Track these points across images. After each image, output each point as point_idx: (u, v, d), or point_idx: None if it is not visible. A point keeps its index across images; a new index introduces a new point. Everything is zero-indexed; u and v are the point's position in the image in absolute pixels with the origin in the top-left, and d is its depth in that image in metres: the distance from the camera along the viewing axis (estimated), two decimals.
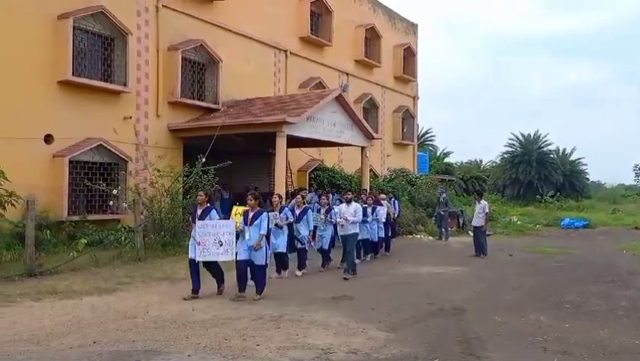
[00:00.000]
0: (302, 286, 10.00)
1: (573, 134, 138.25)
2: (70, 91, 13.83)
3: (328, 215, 11.75)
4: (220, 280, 8.86)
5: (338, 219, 11.19)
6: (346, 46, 24.26)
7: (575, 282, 10.79)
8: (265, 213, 8.71)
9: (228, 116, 16.54)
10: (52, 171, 13.37)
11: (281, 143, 15.21)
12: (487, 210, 14.95)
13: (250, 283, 8.64)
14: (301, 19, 21.57)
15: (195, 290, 8.58)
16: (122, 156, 14.65)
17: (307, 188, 19.54)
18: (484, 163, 57.93)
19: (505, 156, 51.71)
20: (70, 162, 13.57)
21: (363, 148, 18.96)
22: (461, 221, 22.11)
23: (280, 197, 11.15)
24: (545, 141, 50.56)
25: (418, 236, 19.66)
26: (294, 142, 16.86)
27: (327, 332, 6.61)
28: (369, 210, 12.89)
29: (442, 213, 19.21)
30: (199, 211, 8.73)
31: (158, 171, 13.67)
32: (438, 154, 49.46)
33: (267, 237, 8.98)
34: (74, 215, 13.51)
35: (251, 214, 8.58)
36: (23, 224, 10.76)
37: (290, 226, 10.73)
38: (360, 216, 11.35)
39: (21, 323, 6.85)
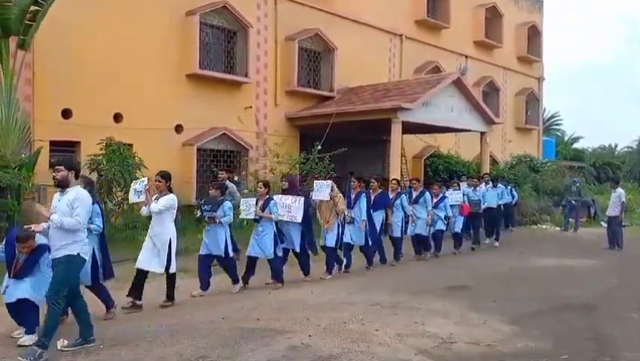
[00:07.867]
0: (418, 275, 9.89)
1: None
2: (197, 83, 14.70)
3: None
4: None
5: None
6: (465, 27, 23.27)
7: None
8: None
9: (342, 103, 16.66)
10: (182, 158, 14.36)
11: (396, 129, 15.04)
12: (623, 200, 13.74)
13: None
14: (417, 1, 21.01)
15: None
16: (244, 144, 15.34)
17: (422, 175, 19.20)
18: (619, 148, 53.08)
19: None
20: (198, 150, 14.49)
21: (482, 133, 18.20)
22: (592, 211, 20.52)
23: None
24: None
25: (543, 226, 18.56)
26: (408, 128, 16.59)
27: (446, 322, 6.46)
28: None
29: (574, 202, 17.93)
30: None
31: (277, 157, 14.19)
32: (566, 139, 46.09)
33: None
34: (202, 200, 14.42)
35: None
36: None
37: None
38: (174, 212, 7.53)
39: (159, 299, 7.45)
